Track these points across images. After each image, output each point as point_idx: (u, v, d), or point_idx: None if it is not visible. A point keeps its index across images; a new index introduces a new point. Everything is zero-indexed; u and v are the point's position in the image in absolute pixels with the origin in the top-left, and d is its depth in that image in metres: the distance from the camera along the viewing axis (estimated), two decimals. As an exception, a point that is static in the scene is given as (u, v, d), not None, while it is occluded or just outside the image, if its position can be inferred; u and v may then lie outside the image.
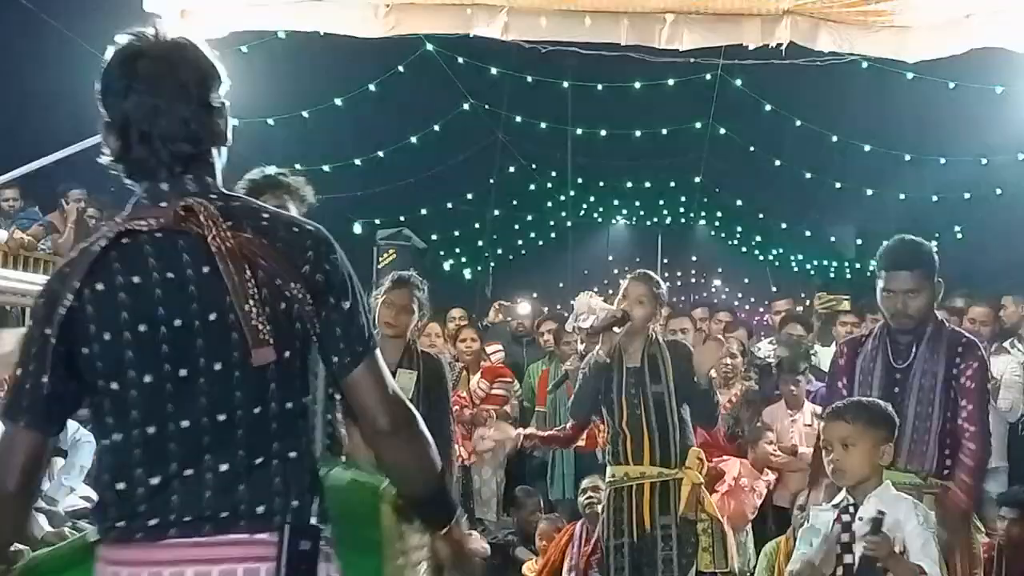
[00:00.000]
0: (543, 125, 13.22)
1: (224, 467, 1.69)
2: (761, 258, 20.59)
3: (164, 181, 1.75)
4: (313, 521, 1.74)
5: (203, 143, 1.77)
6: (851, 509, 2.98)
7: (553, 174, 16.15)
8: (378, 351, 1.84)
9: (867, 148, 12.02)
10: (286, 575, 1.68)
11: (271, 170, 3.12)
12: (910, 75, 8.32)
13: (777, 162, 13.49)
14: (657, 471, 4.07)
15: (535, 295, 16.75)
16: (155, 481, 1.69)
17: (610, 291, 5.13)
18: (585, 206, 18.91)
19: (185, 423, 1.69)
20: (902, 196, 13.28)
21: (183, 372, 1.69)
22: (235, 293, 1.67)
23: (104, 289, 1.71)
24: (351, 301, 1.79)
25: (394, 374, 3.98)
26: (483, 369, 6.82)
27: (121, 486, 1.70)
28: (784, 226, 17.66)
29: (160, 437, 1.69)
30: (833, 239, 18.36)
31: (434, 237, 16.91)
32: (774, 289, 15.98)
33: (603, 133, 13.39)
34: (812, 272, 19.44)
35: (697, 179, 16.64)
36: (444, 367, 4.32)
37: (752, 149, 13.53)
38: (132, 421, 1.70)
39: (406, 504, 1.94)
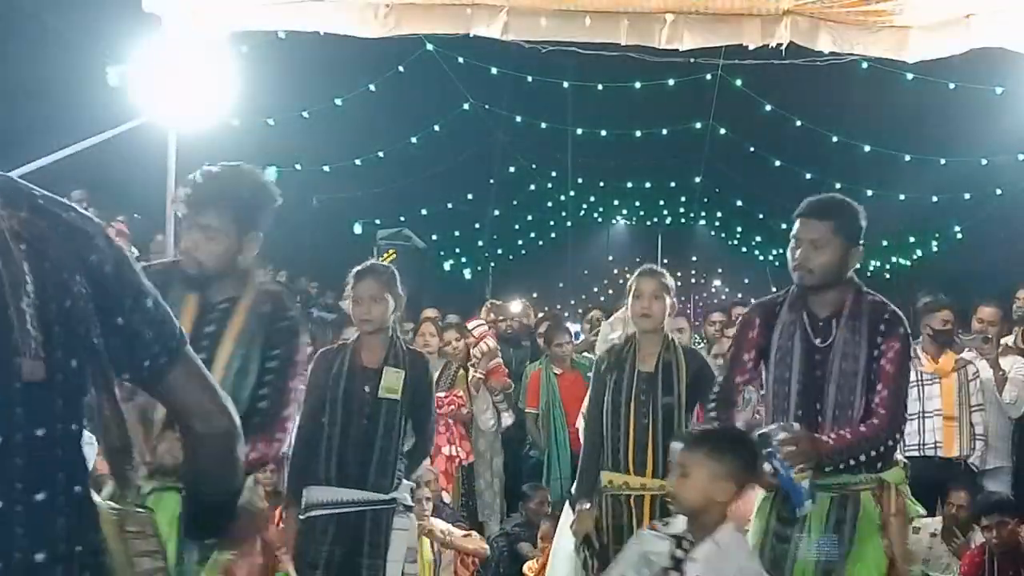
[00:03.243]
0: (543, 125, 13.23)
1: None
2: (761, 258, 20.60)
3: None
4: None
5: None
6: (685, 544, 2.58)
7: (553, 174, 16.16)
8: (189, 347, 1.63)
9: (867, 148, 12.03)
10: None
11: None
12: (910, 75, 8.32)
13: (777, 162, 13.51)
14: (659, 484, 3.92)
15: (535, 295, 16.77)
16: None
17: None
18: (585, 206, 18.93)
19: None
20: (902, 196, 13.29)
21: None
22: (12, 285, 1.36)
23: None
24: (151, 296, 1.57)
25: (380, 372, 3.95)
26: (489, 371, 6.79)
27: None
28: (784, 226, 17.61)
29: None
30: (833, 239, 18.35)
31: (434, 237, 16.93)
32: (774, 289, 15.92)
33: (603, 133, 13.40)
34: (812, 272, 19.43)
35: (697, 179, 16.68)
36: (430, 365, 4.27)
37: (752, 149, 13.55)
38: None
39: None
